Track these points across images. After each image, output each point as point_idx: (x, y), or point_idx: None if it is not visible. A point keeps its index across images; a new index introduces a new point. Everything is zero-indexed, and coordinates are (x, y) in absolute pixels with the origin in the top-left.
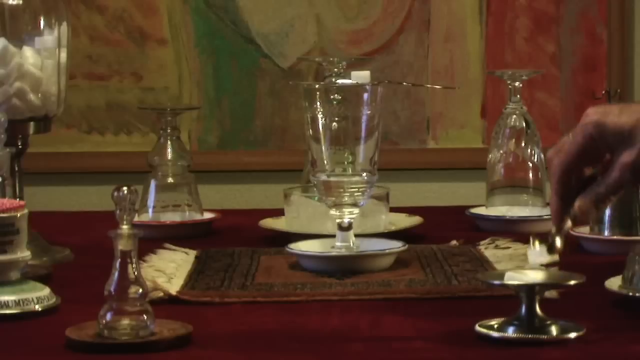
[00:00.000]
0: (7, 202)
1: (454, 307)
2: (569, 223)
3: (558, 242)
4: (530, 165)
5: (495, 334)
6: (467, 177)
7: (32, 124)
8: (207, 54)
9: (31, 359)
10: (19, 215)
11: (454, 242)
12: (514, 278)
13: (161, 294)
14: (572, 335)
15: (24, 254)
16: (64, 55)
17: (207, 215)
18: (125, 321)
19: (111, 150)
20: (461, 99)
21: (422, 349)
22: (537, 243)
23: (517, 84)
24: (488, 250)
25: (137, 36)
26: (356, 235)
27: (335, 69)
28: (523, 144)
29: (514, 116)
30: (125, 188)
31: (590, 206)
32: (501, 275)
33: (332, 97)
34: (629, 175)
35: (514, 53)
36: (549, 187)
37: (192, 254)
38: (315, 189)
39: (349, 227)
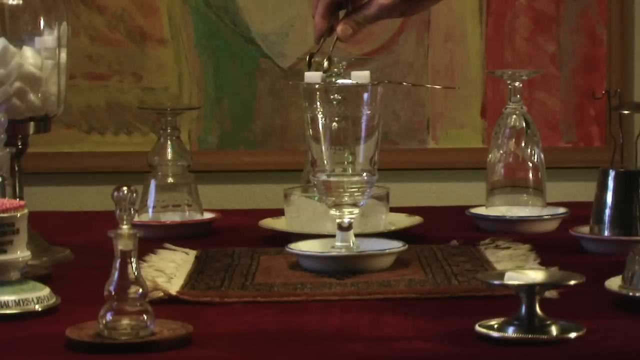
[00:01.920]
0: (7, 202)
1: (454, 307)
2: (332, 42)
3: (326, 63)
4: (530, 165)
5: (495, 334)
6: (467, 177)
7: (32, 124)
8: (207, 54)
9: (31, 359)
10: (19, 215)
11: (454, 242)
12: (514, 278)
13: (161, 294)
14: (572, 335)
15: (24, 254)
16: (64, 55)
17: (207, 215)
18: (125, 321)
19: (111, 150)
20: (461, 99)
21: (422, 349)
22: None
23: (517, 84)
24: (488, 250)
25: (137, 36)
26: (356, 235)
27: (335, 69)
28: (523, 144)
29: (514, 116)
30: (125, 188)
31: (350, 31)
32: (501, 275)
33: (332, 97)
34: (385, 14)
35: (514, 53)
36: (549, 187)
37: (192, 254)
38: (315, 189)
39: (349, 227)
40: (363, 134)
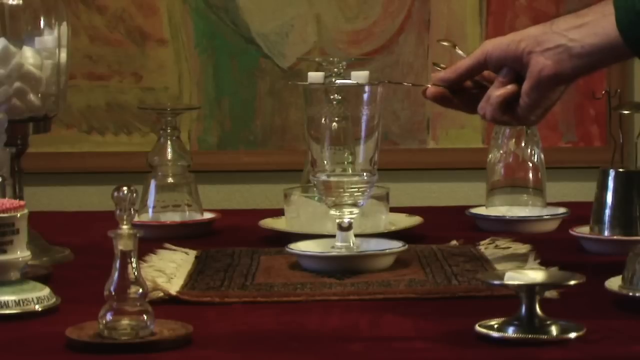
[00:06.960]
0: (7, 202)
1: (454, 307)
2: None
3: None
4: (530, 165)
5: (495, 334)
6: (467, 177)
7: (32, 124)
8: (207, 54)
9: (31, 359)
10: (19, 215)
11: (454, 242)
12: (514, 278)
13: (161, 294)
14: (572, 335)
15: (24, 254)
16: (64, 55)
17: (207, 215)
18: (125, 321)
19: (111, 150)
20: None
21: (422, 349)
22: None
23: None
24: (488, 250)
25: (137, 36)
26: (356, 235)
27: (335, 69)
28: (523, 144)
29: None
30: (125, 188)
31: (497, 113)
32: (501, 275)
33: (332, 97)
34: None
35: None
36: (549, 187)
37: (192, 254)
38: (315, 189)
39: (349, 227)
40: (363, 134)
